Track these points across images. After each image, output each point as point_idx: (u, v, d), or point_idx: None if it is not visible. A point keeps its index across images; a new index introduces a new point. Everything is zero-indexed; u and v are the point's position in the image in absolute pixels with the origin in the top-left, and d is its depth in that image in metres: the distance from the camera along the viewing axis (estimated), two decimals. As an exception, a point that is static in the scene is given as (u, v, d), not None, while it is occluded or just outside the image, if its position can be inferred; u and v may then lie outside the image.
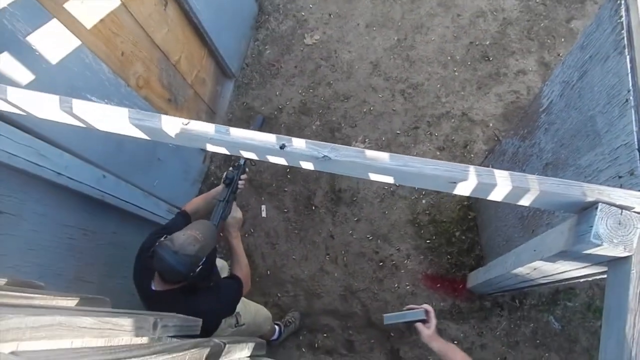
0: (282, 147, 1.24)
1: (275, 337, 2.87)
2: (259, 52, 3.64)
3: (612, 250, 1.13)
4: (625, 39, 1.29)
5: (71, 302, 1.27)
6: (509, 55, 3.33)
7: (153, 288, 1.81)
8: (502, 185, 1.17)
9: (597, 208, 1.11)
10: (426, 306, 1.75)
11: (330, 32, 3.61)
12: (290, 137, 1.26)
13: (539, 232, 1.85)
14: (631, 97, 1.25)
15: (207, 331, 1.87)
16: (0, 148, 1.70)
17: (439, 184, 1.25)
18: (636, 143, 1.23)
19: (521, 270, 1.86)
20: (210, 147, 1.35)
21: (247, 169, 2.23)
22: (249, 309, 2.43)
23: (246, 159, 2.15)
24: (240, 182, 2.16)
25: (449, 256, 2.98)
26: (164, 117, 1.29)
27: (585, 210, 1.18)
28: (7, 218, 1.85)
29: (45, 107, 1.34)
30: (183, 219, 2.09)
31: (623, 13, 1.31)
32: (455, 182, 1.22)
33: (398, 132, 3.26)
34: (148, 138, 1.38)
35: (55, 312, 0.89)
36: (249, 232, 3.23)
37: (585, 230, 1.15)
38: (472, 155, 3.13)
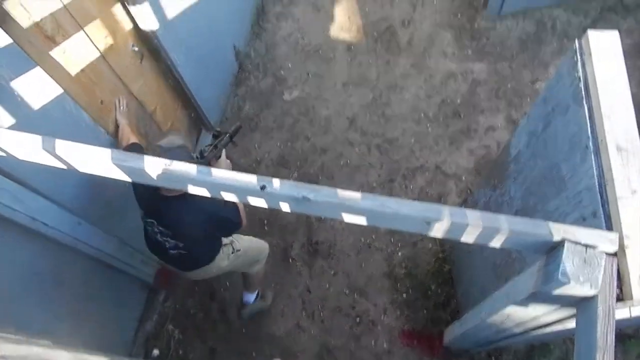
0: (263, 188, 1.28)
1: (251, 299, 2.98)
2: (238, 107, 3.74)
3: (579, 289, 1.16)
4: (583, 90, 1.40)
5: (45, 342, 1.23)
6: (479, 113, 3.50)
7: (164, 194, 2.03)
8: (473, 225, 1.22)
9: (563, 246, 1.16)
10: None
11: (308, 90, 3.75)
12: (270, 178, 1.29)
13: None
14: (590, 143, 1.34)
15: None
16: (-25, 191, 1.69)
17: (415, 224, 1.29)
18: (597, 186, 1.30)
19: (495, 318, 1.88)
20: (192, 188, 1.37)
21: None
22: (242, 237, 2.57)
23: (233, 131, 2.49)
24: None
25: (425, 310, 2.97)
26: (146, 157, 1.32)
27: (553, 250, 1.23)
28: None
29: (27, 147, 1.35)
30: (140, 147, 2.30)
31: (580, 68, 1.43)
32: (430, 222, 1.26)
33: (374, 184, 3.33)
34: (129, 179, 1.40)
35: (32, 343, 0.87)
36: (224, 286, 3.19)
37: (554, 269, 1.19)
38: (446, 208, 3.20)
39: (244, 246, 2.51)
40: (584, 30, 1.47)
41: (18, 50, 1.82)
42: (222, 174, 1.29)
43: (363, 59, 3.81)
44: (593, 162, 1.32)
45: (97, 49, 2.31)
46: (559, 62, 3.60)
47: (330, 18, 3.98)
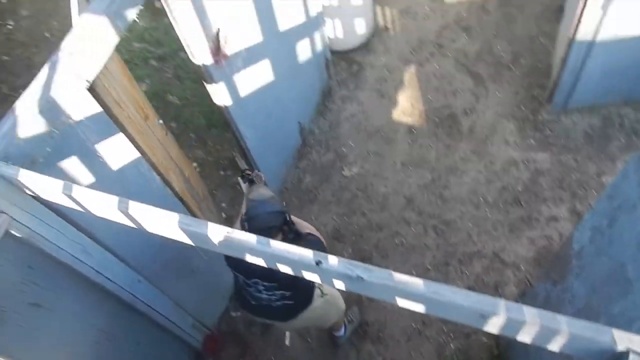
0: (318, 263, 1.30)
1: (341, 333, 3.05)
2: (299, 179, 3.86)
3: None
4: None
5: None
6: (541, 202, 3.42)
7: None
8: (531, 323, 1.17)
9: (627, 358, 1.09)
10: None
11: (368, 167, 3.82)
12: (326, 254, 1.32)
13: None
14: (660, 247, 1.28)
15: None
16: (53, 242, 1.82)
17: (469, 317, 1.26)
18: (668, 292, 1.23)
19: None
20: (249, 257, 1.42)
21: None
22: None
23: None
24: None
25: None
26: (210, 224, 1.38)
27: None
28: (43, 312, 1.91)
29: (103, 206, 1.46)
30: None
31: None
32: (485, 316, 1.23)
33: (429, 267, 3.27)
34: (192, 243, 1.47)
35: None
36: (269, 360, 3.16)
37: (618, 381, 1.11)
38: (503, 298, 3.07)
39: (329, 290, 2.58)
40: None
41: (106, 119, 2.01)
42: (280, 246, 1.33)
43: (424, 141, 3.87)
44: (663, 266, 1.26)
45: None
46: (626, 158, 3.51)
47: (394, 103, 4.12)
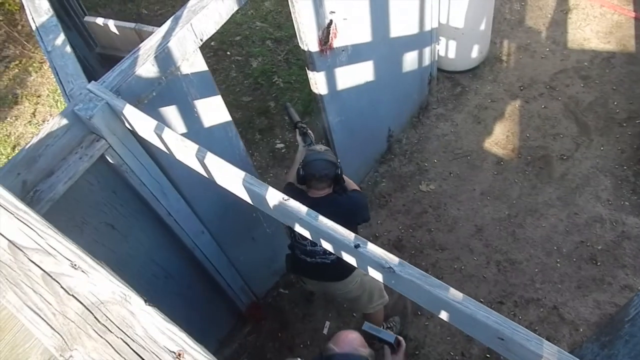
0: (357, 246, 1.37)
1: None
2: (375, 182, 3.91)
3: None
4: None
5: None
6: (619, 267, 3.20)
7: (312, 196, 2.44)
8: (547, 358, 1.16)
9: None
10: (401, 338, 1.90)
11: (445, 187, 3.79)
12: (367, 241, 1.38)
13: None
14: None
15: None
16: (138, 175, 2.04)
17: (487, 336, 1.26)
18: None
19: None
20: (297, 227, 1.52)
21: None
22: None
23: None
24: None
25: None
26: (270, 188, 1.50)
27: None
28: (116, 234, 2.14)
29: (185, 151, 1.63)
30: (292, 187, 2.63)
31: None
32: (503, 339, 1.23)
33: (482, 300, 3.18)
34: (250, 202, 1.60)
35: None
36: (304, 344, 3.24)
37: None
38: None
39: None
40: None
41: (209, 78, 2.21)
42: (326, 222, 1.41)
43: (509, 176, 3.76)
44: None
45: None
46: None
47: (488, 132, 4.03)
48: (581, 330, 3.01)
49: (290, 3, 2.40)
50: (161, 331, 0.85)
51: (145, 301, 0.87)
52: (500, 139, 3.98)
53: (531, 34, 4.57)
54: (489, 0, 3.95)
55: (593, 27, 4.48)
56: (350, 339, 1.79)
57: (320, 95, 2.93)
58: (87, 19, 3.29)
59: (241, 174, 1.53)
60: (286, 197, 1.48)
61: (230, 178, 1.56)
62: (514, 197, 3.66)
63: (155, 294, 2.44)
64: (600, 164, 3.72)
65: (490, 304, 3.17)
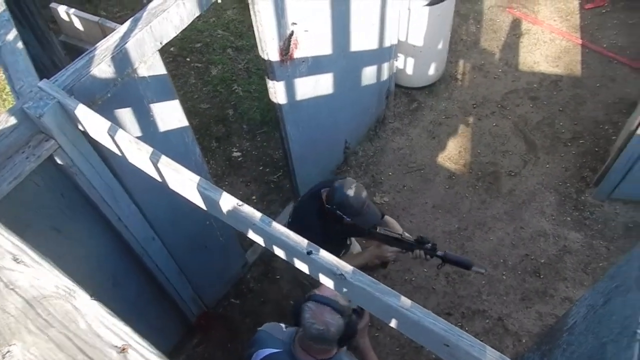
0: (309, 253, 1.38)
1: None
2: (330, 194, 3.94)
3: None
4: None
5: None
6: (561, 280, 3.35)
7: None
8: (490, 362, 1.20)
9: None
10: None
11: (399, 199, 3.86)
12: (319, 248, 1.40)
13: None
14: (639, 331, 1.28)
15: None
16: (88, 178, 1.98)
17: (434, 343, 1.30)
18: (634, 377, 1.23)
19: None
20: (251, 234, 1.51)
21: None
22: None
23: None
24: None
25: None
26: (224, 193, 1.49)
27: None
28: (62, 239, 2.06)
29: (139, 154, 1.60)
30: None
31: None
32: (449, 346, 1.27)
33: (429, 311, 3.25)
34: (204, 208, 1.58)
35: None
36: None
37: None
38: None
39: None
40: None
41: (167, 81, 2.18)
42: (279, 228, 1.42)
43: (460, 190, 3.88)
44: (636, 351, 1.26)
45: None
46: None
47: (442, 147, 4.16)
48: (524, 341, 3.12)
49: (252, 12, 2.42)
50: (106, 326, 0.83)
51: (91, 296, 0.85)
52: (452, 154, 4.11)
53: (485, 55, 4.76)
54: (447, 21, 4.09)
55: (543, 52, 4.71)
56: (333, 290, 1.86)
57: (279, 105, 2.95)
58: (53, 5, 3.21)
59: (195, 178, 1.52)
60: (240, 202, 1.48)
61: (185, 182, 1.54)
62: (464, 210, 3.77)
63: (101, 301, 2.36)
64: (546, 181, 3.90)
65: (439, 315, 3.23)
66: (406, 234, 2.56)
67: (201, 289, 3.11)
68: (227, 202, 1.47)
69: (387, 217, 2.77)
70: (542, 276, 3.38)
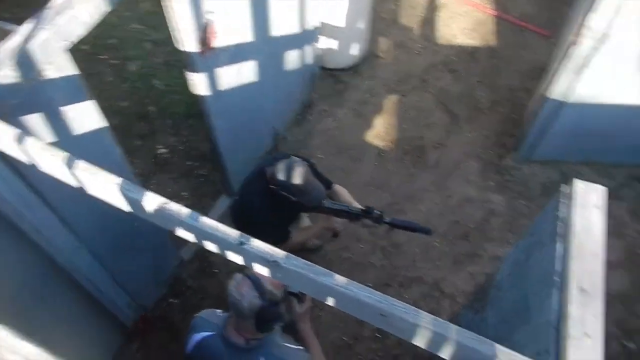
0: (241, 243, 1.38)
1: None
2: (263, 181, 3.92)
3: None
4: (560, 230, 1.48)
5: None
6: (488, 240, 3.56)
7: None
8: (424, 327, 1.27)
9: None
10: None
11: (332, 180, 3.91)
12: (250, 237, 1.39)
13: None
14: (557, 279, 1.39)
15: None
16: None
17: (371, 315, 1.34)
18: (554, 321, 1.33)
19: None
20: (180, 232, 1.48)
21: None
22: None
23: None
24: None
25: None
26: (149, 193, 1.45)
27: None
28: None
29: (52, 161, 1.52)
30: None
31: (561, 210, 1.52)
32: (385, 316, 1.32)
33: (370, 284, 3.33)
34: (130, 210, 1.53)
35: None
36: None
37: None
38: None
39: None
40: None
41: (78, 82, 2.07)
42: (208, 222, 1.40)
43: (389, 166, 3.99)
44: (554, 298, 1.37)
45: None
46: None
47: (369, 126, 4.24)
48: (459, 300, 3.29)
49: (165, 5, 2.33)
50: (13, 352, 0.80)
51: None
52: (380, 131, 4.21)
53: (405, 32, 4.87)
54: (366, 0, 4.14)
55: (459, 24, 4.89)
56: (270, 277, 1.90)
57: (202, 96, 2.88)
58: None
59: (116, 180, 1.46)
60: (167, 200, 1.44)
61: (105, 186, 1.48)
62: (394, 185, 3.89)
63: (24, 316, 2.22)
64: (469, 150, 4.09)
65: (378, 287, 3.33)
66: (355, 203, 2.62)
67: (136, 293, 3.01)
68: (152, 201, 1.43)
69: (335, 186, 2.82)
70: (470, 239, 3.57)
